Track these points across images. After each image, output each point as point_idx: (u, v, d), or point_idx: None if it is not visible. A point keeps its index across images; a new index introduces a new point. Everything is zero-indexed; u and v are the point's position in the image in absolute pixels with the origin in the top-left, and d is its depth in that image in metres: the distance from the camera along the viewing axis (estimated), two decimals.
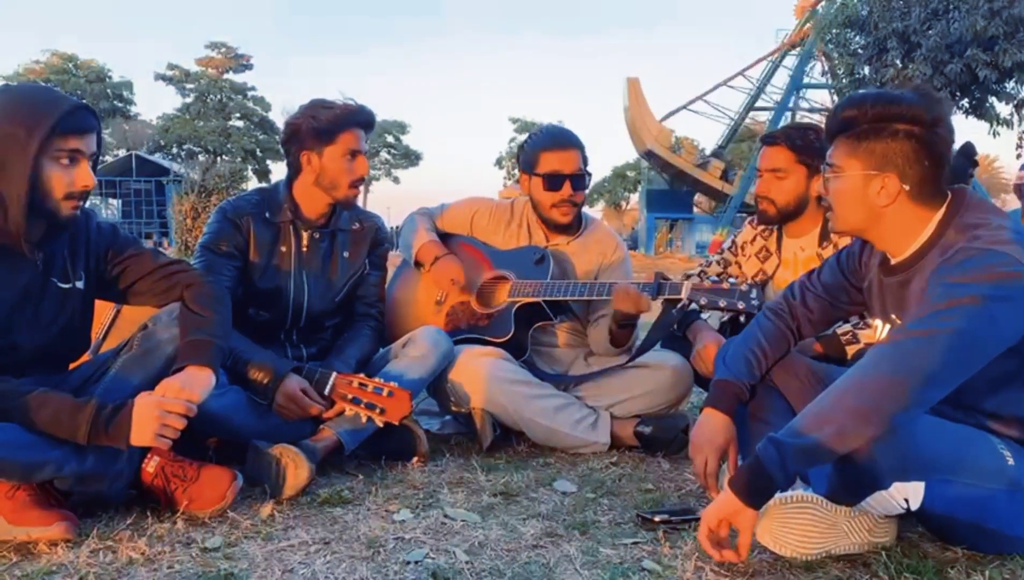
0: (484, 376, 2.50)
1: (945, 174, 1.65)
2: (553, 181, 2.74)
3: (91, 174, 1.86)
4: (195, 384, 1.88)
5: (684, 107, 33.99)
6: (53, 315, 1.94)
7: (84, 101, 1.91)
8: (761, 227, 2.75)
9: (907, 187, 1.62)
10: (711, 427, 1.90)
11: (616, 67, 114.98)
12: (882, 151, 1.62)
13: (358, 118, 2.44)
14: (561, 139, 2.80)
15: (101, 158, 1.96)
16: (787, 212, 2.55)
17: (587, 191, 2.85)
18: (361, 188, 2.51)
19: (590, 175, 2.85)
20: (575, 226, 2.85)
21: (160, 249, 2.16)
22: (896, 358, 1.51)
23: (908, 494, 1.56)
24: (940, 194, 1.65)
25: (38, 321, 1.92)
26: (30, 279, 1.89)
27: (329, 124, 2.39)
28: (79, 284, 1.99)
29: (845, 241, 2.24)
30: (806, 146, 2.48)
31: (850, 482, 1.59)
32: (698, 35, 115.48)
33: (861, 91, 1.73)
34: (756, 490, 1.55)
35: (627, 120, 32.34)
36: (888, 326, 1.78)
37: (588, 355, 2.83)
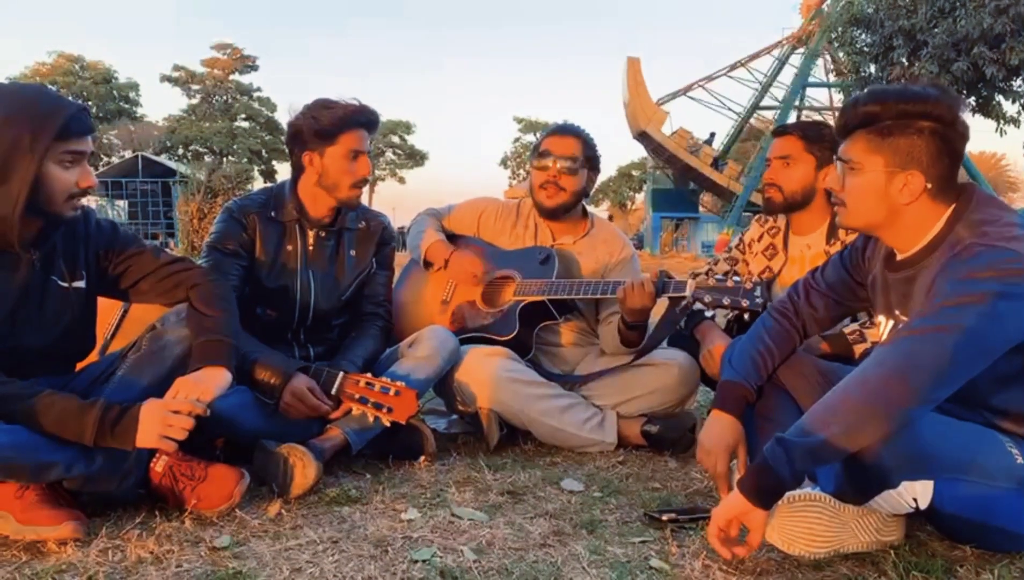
0: (490, 376, 2.50)
1: (958, 170, 1.65)
2: (543, 156, 2.78)
3: (92, 174, 1.88)
4: (210, 381, 1.88)
5: (683, 92, 33.75)
6: (56, 315, 1.95)
7: (80, 102, 1.93)
8: (768, 225, 2.75)
9: (930, 185, 1.61)
10: (719, 429, 1.89)
11: (621, 65, 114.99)
12: (907, 148, 1.60)
13: (359, 118, 2.43)
14: (563, 127, 2.88)
15: (107, 159, 1.97)
16: (792, 201, 2.56)
17: (585, 186, 2.83)
18: (364, 188, 2.51)
19: (595, 171, 2.85)
20: (561, 213, 2.83)
21: (167, 249, 2.16)
22: (902, 356, 1.51)
23: (917, 493, 1.55)
24: (954, 190, 1.65)
25: (42, 321, 1.92)
26: (28, 278, 1.89)
27: (330, 125, 2.38)
28: (80, 283, 1.99)
29: (853, 238, 2.23)
30: (817, 137, 2.52)
31: (858, 481, 1.58)
32: (704, 31, 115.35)
33: (881, 86, 1.71)
34: (765, 490, 1.55)
35: (624, 101, 32.08)
36: (892, 322, 1.77)
37: (594, 354, 2.83)
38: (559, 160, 2.76)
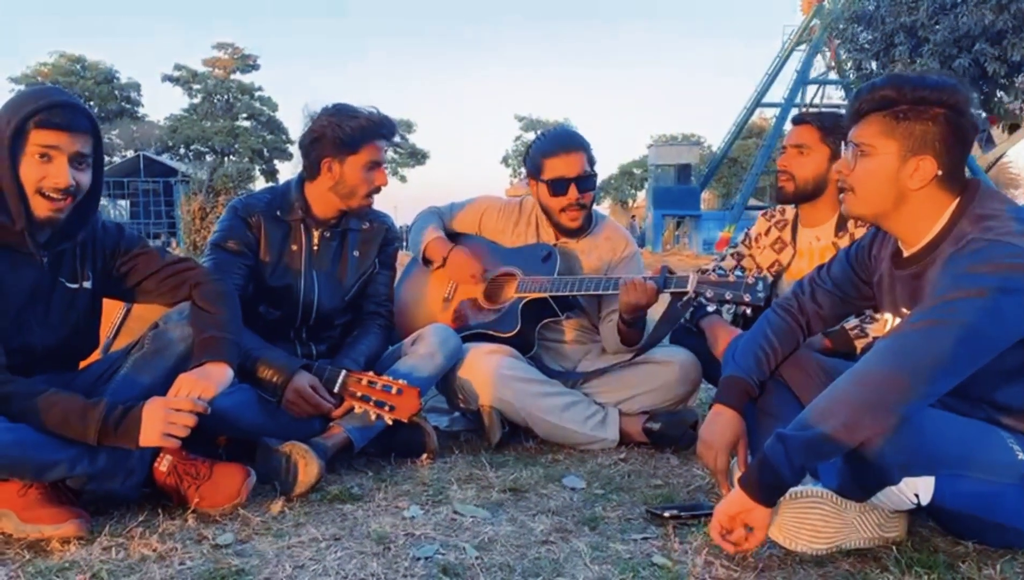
0: (492, 374, 2.51)
1: (966, 161, 1.65)
2: (558, 186, 2.72)
3: (64, 174, 1.78)
4: (212, 378, 1.89)
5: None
6: (63, 315, 1.95)
7: (78, 101, 1.85)
8: (775, 218, 2.74)
9: (940, 171, 1.61)
10: (720, 424, 1.89)
11: (622, 63, 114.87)
12: (922, 133, 1.60)
13: (382, 131, 2.44)
14: (564, 143, 2.77)
15: (108, 159, 1.95)
16: (804, 191, 2.55)
17: (595, 190, 2.84)
18: (375, 197, 2.51)
19: (596, 174, 2.84)
20: (585, 228, 2.84)
21: (168, 249, 2.16)
22: (900, 350, 1.51)
23: (918, 489, 1.55)
24: (960, 183, 1.65)
25: (48, 321, 1.93)
26: (37, 279, 1.89)
27: (354, 135, 2.38)
28: (87, 284, 1.99)
29: (862, 231, 2.23)
30: (833, 128, 2.51)
31: (860, 477, 1.58)
32: (706, 30, 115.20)
33: (899, 73, 1.73)
34: (766, 487, 1.55)
35: None
36: (897, 320, 1.77)
37: (597, 351, 2.83)
38: (577, 182, 2.72)
